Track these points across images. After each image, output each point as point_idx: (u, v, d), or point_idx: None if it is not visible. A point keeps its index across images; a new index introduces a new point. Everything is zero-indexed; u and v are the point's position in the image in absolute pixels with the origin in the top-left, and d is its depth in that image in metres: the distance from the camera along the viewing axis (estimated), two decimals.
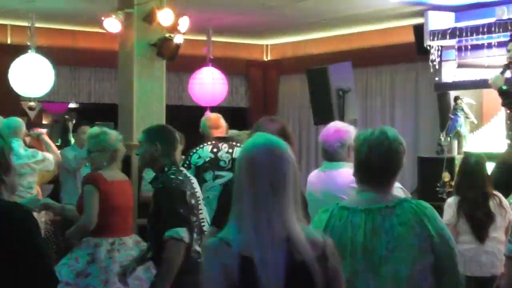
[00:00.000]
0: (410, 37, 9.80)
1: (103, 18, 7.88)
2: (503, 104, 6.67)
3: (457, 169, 5.73)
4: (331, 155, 4.41)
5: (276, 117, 4.35)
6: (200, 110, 9.39)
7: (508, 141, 6.80)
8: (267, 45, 13.42)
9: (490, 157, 6.73)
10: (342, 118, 6.92)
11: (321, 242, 2.30)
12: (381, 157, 2.88)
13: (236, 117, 12.17)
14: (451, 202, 5.54)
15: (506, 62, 6.42)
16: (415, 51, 9.70)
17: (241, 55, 13.00)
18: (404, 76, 11.10)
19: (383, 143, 2.89)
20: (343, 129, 4.41)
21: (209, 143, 6.00)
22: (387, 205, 2.85)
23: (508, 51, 6.35)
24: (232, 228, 2.29)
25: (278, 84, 13.32)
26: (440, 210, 8.22)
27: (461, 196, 5.48)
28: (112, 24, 7.90)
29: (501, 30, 8.36)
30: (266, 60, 13.48)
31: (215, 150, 5.92)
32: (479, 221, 5.40)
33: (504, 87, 6.14)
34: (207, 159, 5.88)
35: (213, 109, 9.09)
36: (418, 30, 9.55)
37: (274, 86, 13.31)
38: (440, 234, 2.86)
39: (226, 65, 10.60)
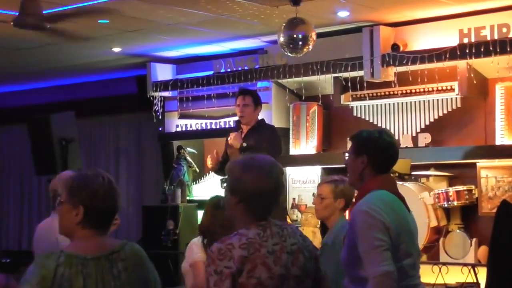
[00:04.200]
0: (133, 88, 9.94)
1: None
2: None
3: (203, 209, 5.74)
4: None
5: None
6: None
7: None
8: None
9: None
10: (65, 168, 6.82)
11: None
12: (105, 200, 2.86)
13: None
14: (197, 241, 5.48)
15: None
16: (138, 101, 9.84)
17: None
18: (127, 126, 11.18)
19: (103, 186, 2.88)
20: None
21: None
22: (113, 251, 2.81)
23: (237, 105, 6.69)
24: None
25: None
26: (166, 258, 8.36)
27: (210, 237, 5.42)
28: None
29: (219, 82, 8.78)
30: None
31: None
32: None
33: (245, 144, 6.45)
34: None
35: None
36: (141, 81, 9.71)
37: None
38: (155, 275, 2.90)
39: None
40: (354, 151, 3.49)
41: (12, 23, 6.30)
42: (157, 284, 2.90)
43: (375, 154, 3.43)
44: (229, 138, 6.57)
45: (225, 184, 3.00)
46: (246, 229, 2.81)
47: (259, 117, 6.83)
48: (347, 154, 3.58)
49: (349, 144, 3.71)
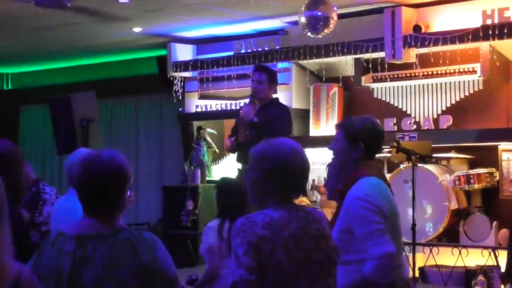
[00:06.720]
0: (154, 68, 9.94)
1: None
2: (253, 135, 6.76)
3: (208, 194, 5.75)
4: None
5: None
6: None
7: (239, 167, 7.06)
8: (7, 74, 12.91)
9: None
10: (86, 148, 6.83)
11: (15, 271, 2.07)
12: (92, 182, 2.78)
13: None
14: (213, 225, 5.47)
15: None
16: (158, 82, 9.85)
17: None
18: (148, 107, 11.21)
19: (96, 166, 2.78)
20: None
21: None
22: (100, 234, 2.73)
23: (252, 81, 6.67)
24: None
25: (19, 114, 12.85)
26: (185, 238, 8.40)
27: (229, 219, 5.38)
28: None
29: (239, 63, 8.75)
30: (6, 89, 12.95)
31: None
32: None
33: (255, 119, 6.41)
34: None
35: None
36: (162, 61, 9.72)
37: (14, 116, 12.81)
38: (156, 264, 2.74)
39: None
40: (348, 138, 3.53)
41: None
42: (157, 276, 2.74)
43: (371, 142, 3.51)
44: (241, 112, 6.55)
45: (246, 167, 2.98)
46: (272, 210, 2.79)
47: (274, 96, 6.79)
48: (334, 140, 3.59)
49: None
